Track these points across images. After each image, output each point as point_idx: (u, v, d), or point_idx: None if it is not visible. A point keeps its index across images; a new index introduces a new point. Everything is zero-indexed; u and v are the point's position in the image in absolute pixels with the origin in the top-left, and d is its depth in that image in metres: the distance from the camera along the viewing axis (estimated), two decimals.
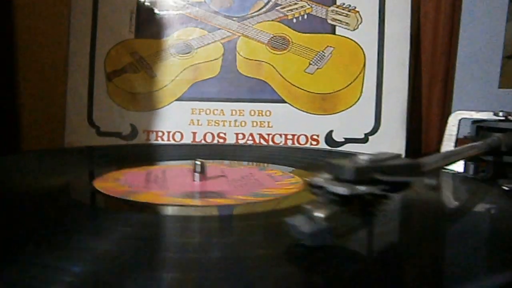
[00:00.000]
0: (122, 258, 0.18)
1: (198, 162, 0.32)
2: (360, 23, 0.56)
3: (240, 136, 0.55)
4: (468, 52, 0.62)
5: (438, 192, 0.33)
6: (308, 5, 0.57)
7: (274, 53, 0.56)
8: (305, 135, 0.55)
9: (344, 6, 0.57)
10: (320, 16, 0.57)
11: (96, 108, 0.56)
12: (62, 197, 0.30)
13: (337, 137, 0.55)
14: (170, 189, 0.31)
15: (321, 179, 0.19)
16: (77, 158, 0.46)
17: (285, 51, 0.56)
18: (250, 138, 0.55)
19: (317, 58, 0.56)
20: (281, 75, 0.56)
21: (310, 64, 0.56)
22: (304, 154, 0.49)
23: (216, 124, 0.55)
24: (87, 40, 0.57)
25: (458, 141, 0.44)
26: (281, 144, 0.55)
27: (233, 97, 0.55)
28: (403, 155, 0.24)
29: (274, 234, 0.22)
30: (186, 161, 0.39)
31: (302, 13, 0.57)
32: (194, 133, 0.55)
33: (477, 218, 0.27)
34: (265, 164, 0.41)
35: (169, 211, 0.27)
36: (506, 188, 0.34)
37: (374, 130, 0.54)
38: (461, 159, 0.33)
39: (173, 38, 0.57)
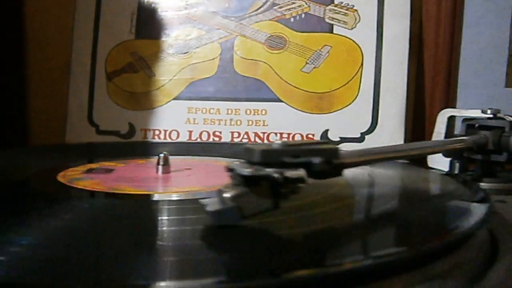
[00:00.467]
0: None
1: (161, 155, 0.33)
2: (358, 22, 0.56)
3: (236, 134, 0.55)
4: (474, 51, 0.60)
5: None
6: (306, 4, 0.57)
7: (271, 53, 0.56)
8: (300, 134, 0.54)
9: (342, 5, 0.57)
10: (317, 15, 0.57)
11: (96, 107, 0.57)
12: (24, 188, 0.32)
13: (333, 136, 0.54)
14: (125, 179, 0.32)
15: (237, 163, 0.19)
16: (44, 154, 0.47)
17: (282, 51, 0.56)
18: (246, 136, 0.55)
19: (314, 57, 0.56)
20: (277, 74, 0.56)
21: (307, 63, 0.56)
22: None
23: (212, 123, 0.56)
24: (89, 41, 0.58)
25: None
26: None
27: (229, 96, 0.56)
28: None
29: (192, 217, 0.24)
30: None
31: (300, 12, 0.57)
32: (190, 132, 0.56)
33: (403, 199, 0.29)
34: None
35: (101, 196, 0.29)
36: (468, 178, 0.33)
37: (370, 129, 0.54)
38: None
39: (172, 38, 0.58)
